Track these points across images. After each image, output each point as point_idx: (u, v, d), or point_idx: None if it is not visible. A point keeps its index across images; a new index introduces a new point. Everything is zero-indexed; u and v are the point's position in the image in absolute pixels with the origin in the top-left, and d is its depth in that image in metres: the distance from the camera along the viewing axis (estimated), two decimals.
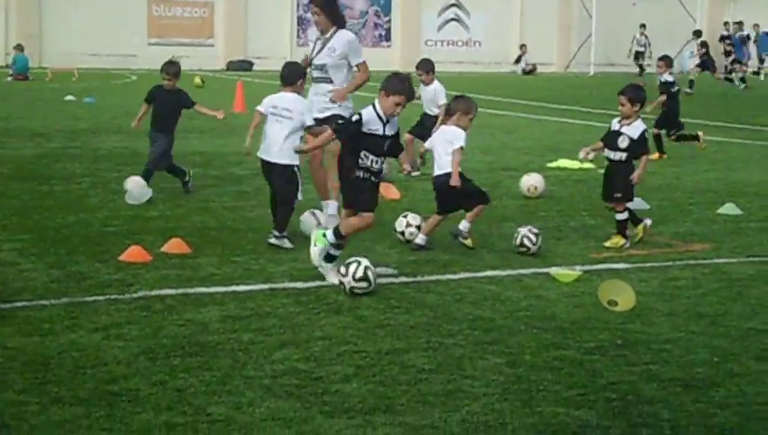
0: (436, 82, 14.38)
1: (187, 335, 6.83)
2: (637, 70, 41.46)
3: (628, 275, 8.86)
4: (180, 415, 5.43)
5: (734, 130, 21.87)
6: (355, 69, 10.66)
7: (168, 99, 12.42)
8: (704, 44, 38.26)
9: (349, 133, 8.39)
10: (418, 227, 9.78)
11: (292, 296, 7.91)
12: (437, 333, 7.02)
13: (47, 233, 9.96)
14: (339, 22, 10.66)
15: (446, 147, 9.65)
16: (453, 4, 46.17)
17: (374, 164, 8.38)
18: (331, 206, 10.26)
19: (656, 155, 16.94)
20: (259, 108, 9.98)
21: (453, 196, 9.65)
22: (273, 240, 9.64)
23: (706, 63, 37.53)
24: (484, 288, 8.33)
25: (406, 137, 14.24)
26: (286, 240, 9.64)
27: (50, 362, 6.18)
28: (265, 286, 8.19)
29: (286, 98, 9.90)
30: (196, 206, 11.73)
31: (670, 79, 17.59)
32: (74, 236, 9.88)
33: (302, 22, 43.79)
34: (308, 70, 10.61)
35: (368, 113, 8.35)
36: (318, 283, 8.35)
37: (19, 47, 34.63)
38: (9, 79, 32.75)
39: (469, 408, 5.65)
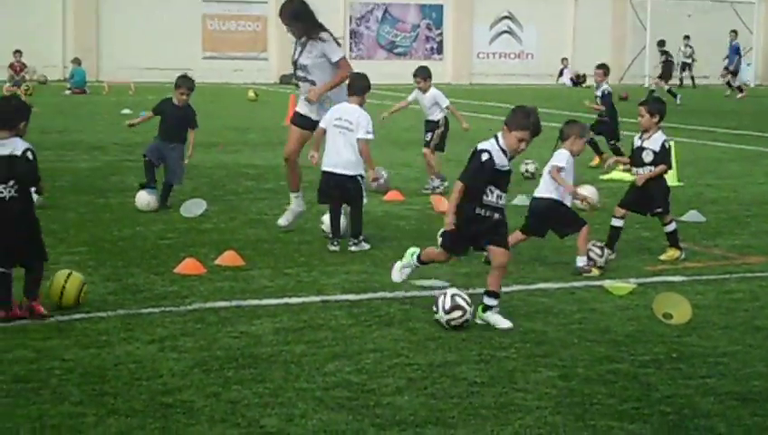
0: (433, 88, 14.42)
1: (240, 347, 6.87)
2: (685, 81, 41.10)
3: (684, 287, 8.77)
4: (234, 427, 5.47)
5: None
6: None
7: (176, 114, 12.52)
8: (664, 53, 37.87)
9: (482, 173, 7.52)
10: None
11: (344, 308, 7.93)
12: (489, 346, 7.00)
13: (103, 245, 10.08)
14: (310, 32, 10.64)
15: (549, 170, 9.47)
16: (505, 17, 46.11)
17: (499, 200, 7.65)
18: (297, 201, 10.93)
19: (596, 160, 16.94)
20: (321, 124, 10.24)
21: (546, 220, 9.44)
22: (353, 247, 10.03)
23: (665, 71, 37.08)
24: (536, 301, 8.29)
25: (423, 151, 14.26)
26: (364, 242, 10.11)
27: (106, 374, 6.25)
28: (318, 299, 8.22)
29: (350, 110, 10.05)
30: (249, 219, 11.80)
31: (609, 89, 17.38)
32: (130, 248, 9.99)
33: (355, 35, 43.97)
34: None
35: (493, 149, 7.58)
36: (370, 295, 8.36)
37: (77, 61, 35.17)
38: (67, 92, 33.24)
39: (522, 421, 5.63)
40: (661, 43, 39.20)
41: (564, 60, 45.65)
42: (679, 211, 12.47)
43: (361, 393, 6.02)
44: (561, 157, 9.54)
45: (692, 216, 12.20)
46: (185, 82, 12.62)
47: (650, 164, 10.04)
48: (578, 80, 44.94)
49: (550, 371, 6.49)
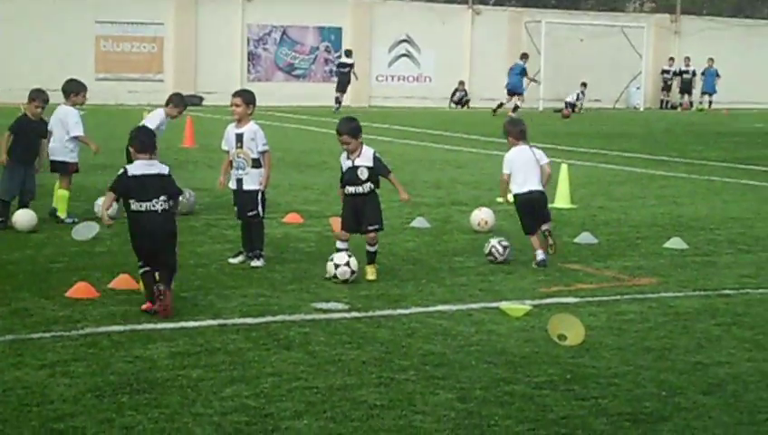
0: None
1: (135, 372, 6.75)
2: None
3: (577, 309, 8.91)
4: None
5: (679, 164, 22.17)
6: None
7: (34, 130, 12.52)
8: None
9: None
10: (353, 272, 9.66)
11: (242, 332, 7.86)
12: (389, 369, 7.01)
13: None
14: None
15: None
16: (404, 40, 46.47)
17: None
18: None
19: None
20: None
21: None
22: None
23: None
24: (435, 323, 8.34)
25: None
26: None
27: None
28: (215, 322, 8.13)
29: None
30: None
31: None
32: (19, 272, 9.76)
33: (252, 57, 43.79)
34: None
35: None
36: (269, 318, 8.31)
37: None
38: None
39: None
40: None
41: (461, 83, 46.15)
42: (572, 233, 12.70)
43: (260, 418, 5.96)
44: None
45: (584, 237, 12.42)
46: (39, 95, 12.49)
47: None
48: (459, 101, 45.50)
49: (448, 393, 6.52)
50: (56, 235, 11.82)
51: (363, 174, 9.88)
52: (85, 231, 11.60)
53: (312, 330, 7.98)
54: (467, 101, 45.24)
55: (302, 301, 8.95)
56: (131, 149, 8.81)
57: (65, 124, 12.90)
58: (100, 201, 11.85)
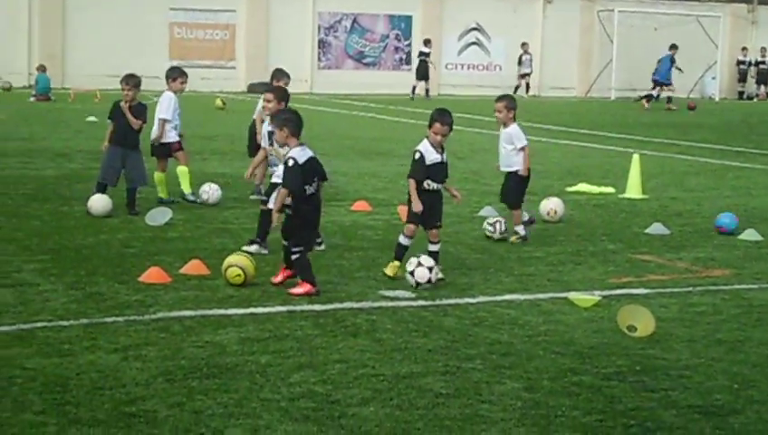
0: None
1: (205, 357, 6.84)
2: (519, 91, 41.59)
3: (648, 300, 8.82)
4: None
5: (755, 155, 21.79)
6: None
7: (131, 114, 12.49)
8: (423, 54, 38.99)
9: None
10: (430, 269, 9.01)
11: (310, 319, 7.92)
12: (455, 357, 7.01)
13: (67, 254, 10.01)
14: None
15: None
16: (474, 28, 46.27)
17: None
18: None
19: None
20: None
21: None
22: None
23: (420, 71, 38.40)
24: (502, 312, 8.31)
25: None
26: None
27: (68, 383, 6.20)
28: (283, 308, 8.19)
29: None
30: (215, 227, 11.76)
31: None
32: (94, 256, 9.93)
33: (322, 45, 43.96)
34: None
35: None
36: (336, 305, 8.35)
37: (41, 68, 34.86)
38: (32, 99, 32.96)
39: (486, 433, 5.63)
40: (426, 43, 40.41)
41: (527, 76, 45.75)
42: (644, 223, 12.56)
43: (326, 404, 6.00)
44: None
45: (656, 228, 12.28)
46: (129, 79, 12.53)
47: None
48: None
49: (515, 382, 6.50)
50: (130, 220, 12.00)
51: (448, 171, 9.55)
52: (159, 216, 11.76)
53: (378, 317, 8.01)
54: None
55: (370, 288, 8.98)
56: (282, 133, 8.75)
57: (158, 107, 13.16)
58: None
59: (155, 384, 6.25)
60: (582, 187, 15.75)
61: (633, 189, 15.26)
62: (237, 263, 8.85)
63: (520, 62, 44.02)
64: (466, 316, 8.13)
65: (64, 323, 7.53)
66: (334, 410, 5.90)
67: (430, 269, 8.96)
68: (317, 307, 8.27)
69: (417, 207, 9.21)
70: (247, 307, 8.19)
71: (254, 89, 42.29)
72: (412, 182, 9.30)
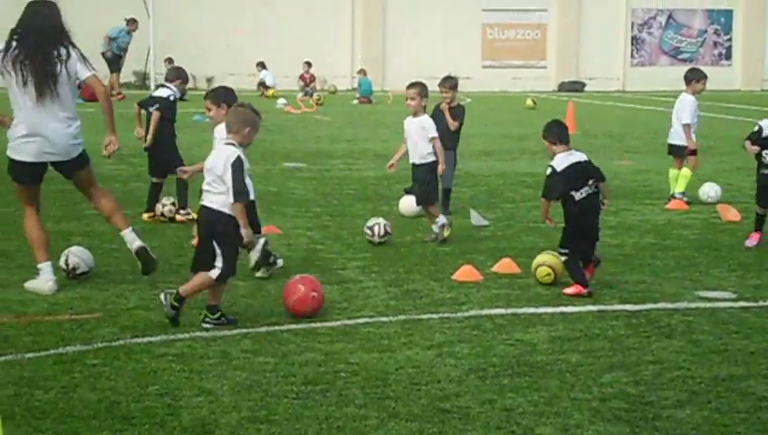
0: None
1: (515, 355, 6.90)
2: None
3: None
4: None
5: None
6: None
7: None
8: None
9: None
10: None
11: (621, 319, 7.80)
12: None
13: (387, 252, 10.37)
14: None
15: None
16: None
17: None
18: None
19: None
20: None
21: None
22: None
23: None
24: None
25: None
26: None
27: (388, 378, 6.42)
28: (594, 308, 8.12)
29: None
30: (526, 226, 11.79)
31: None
32: (412, 254, 10.24)
33: (636, 41, 43.10)
34: None
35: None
36: (649, 305, 8.18)
37: (363, 72, 36.47)
38: (355, 102, 34.50)
39: None
40: None
41: None
42: None
43: (640, 405, 5.90)
44: None
45: None
46: (447, 82, 12.65)
47: None
48: None
49: None
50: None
51: None
52: (478, 219, 11.92)
53: (695, 318, 7.77)
54: None
55: (686, 289, 8.73)
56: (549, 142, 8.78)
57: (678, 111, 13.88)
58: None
59: (467, 381, 6.37)
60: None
61: None
62: (547, 262, 8.87)
63: None
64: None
65: (384, 319, 7.81)
66: (648, 412, 5.79)
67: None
68: (629, 307, 8.14)
69: None
70: (557, 306, 8.18)
71: (564, 88, 42.14)
72: None
